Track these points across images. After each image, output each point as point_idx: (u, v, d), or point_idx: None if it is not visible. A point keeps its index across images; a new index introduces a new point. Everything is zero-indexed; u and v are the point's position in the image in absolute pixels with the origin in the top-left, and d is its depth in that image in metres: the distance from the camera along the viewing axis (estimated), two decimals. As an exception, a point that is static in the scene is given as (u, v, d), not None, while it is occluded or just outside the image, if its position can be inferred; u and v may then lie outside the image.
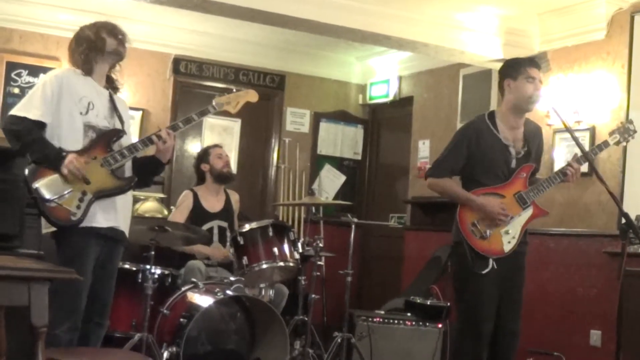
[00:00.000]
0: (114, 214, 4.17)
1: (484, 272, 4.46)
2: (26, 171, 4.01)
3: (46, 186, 3.97)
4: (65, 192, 3.98)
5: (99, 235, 4.10)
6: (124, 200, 4.25)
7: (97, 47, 4.20)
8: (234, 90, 4.72)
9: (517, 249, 4.59)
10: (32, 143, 4.00)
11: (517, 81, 4.63)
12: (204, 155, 6.45)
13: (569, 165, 4.60)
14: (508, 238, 4.55)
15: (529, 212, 4.62)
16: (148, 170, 4.38)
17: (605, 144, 4.73)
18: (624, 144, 4.95)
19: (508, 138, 4.65)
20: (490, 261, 4.48)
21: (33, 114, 4.02)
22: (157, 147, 4.27)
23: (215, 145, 6.56)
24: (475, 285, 4.52)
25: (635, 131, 4.80)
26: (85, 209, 4.01)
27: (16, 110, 4.07)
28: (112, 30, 4.28)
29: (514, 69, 4.69)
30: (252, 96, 4.65)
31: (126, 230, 4.30)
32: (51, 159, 4.00)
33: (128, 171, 4.28)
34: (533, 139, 4.75)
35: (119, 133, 4.23)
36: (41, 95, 4.06)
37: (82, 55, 4.20)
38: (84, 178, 3.99)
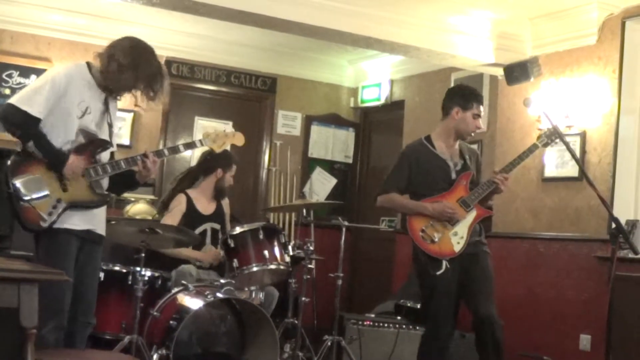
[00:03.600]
0: (91, 217, 4.17)
1: (438, 272, 4.87)
2: (8, 162, 3.99)
3: (25, 184, 3.95)
4: (41, 194, 3.97)
5: (77, 236, 4.10)
6: None
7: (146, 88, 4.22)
8: (225, 130, 4.75)
9: (472, 250, 5.00)
10: (35, 136, 3.99)
11: (465, 113, 5.08)
12: (226, 163, 6.29)
13: (496, 177, 4.98)
14: (457, 239, 4.96)
15: (473, 213, 5.01)
16: (124, 183, 4.40)
17: (535, 146, 5.07)
18: (550, 146, 5.21)
19: (445, 154, 5.11)
20: (444, 262, 4.90)
21: (34, 111, 3.99)
22: (139, 170, 4.27)
23: (236, 163, 6.43)
24: (432, 286, 4.96)
25: (558, 136, 4.92)
26: (56, 216, 4.01)
27: (18, 102, 4.01)
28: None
29: (466, 100, 5.11)
30: (239, 139, 4.70)
31: (103, 232, 4.30)
32: (53, 156, 3.99)
33: (104, 182, 4.27)
34: (470, 154, 5.20)
35: (106, 144, 4.23)
36: (46, 93, 4.01)
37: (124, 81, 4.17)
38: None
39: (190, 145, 4.52)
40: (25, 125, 3.99)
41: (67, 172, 4.00)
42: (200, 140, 4.52)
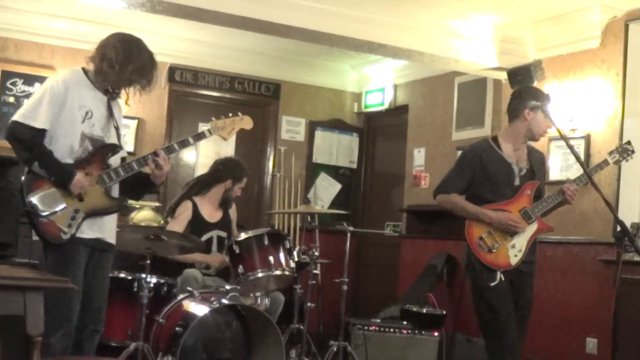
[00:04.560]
0: (100, 226, 4.18)
1: (492, 284, 4.63)
2: (22, 179, 4.01)
3: (41, 200, 3.97)
4: (59, 209, 3.99)
5: (86, 245, 4.11)
6: None
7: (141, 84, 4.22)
8: (230, 115, 4.71)
9: (524, 268, 4.76)
10: (41, 155, 4.00)
11: (536, 113, 4.82)
12: (237, 175, 6.27)
13: (566, 186, 4.75)
14: (514, 252, 4.71)
15: (533, 227, 4.77)
16: (141, 186, 4.40)
17: (605, 162, 4.88)
18: (623, 163, 5.05)
19: (511, 157, 4.84)
20: (498, 274, 4.65)
21: (39, 123, 4.00)
22: (152, 171, 4.27)
23: (247, 175, 6.42)
24: (489, 297, 4.69)
25: (633, 151, 4.91)
26: (76, 227, 4.03)
27: (21, 118, 4.02)
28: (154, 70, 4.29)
29: (538, 101, 4.85)
30: (247, 123, 4.67)
31: (113, 240, 4.30)
32: (59, 175, 4.00)
33: (117, 188, 4.27)
34: (536, 160, 4.95)
35: (115, 148, 4.23)
36: (47, 103, 4.03)
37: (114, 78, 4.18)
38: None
39: (199, 137, 4.45)
40: (32, 140, 3.99)
41: (74, 190, 4.02)
42: (208, 130, 4.49)
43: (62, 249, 4.03)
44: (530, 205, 4.78)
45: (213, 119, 4.64)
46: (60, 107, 4.05)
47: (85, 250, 4.11)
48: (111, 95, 4.27)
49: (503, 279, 4.65)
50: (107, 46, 4.18)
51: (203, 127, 7.82)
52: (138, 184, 4.34)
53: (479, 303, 4.77)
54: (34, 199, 3.96)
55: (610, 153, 4.93)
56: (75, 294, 3.96)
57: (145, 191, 4.52)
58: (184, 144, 4.40)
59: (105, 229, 4.22)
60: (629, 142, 4.96)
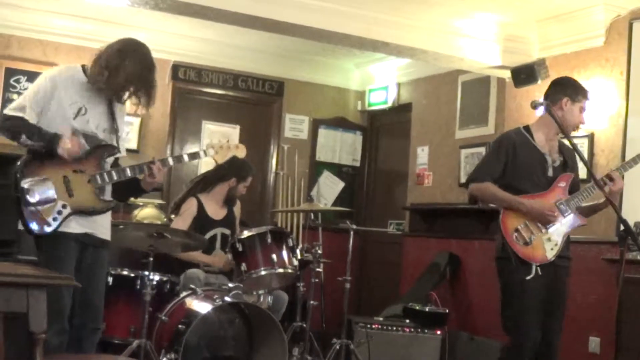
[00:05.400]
0: (90, 221, 4.17)
1: (527, 277, 4.54)
2: (18, 163, 4.02)
3: (32, 187, 3.97)
4: (49, 198, 3.99)
5: (76, 240, 4.11)
6: None
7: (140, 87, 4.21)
8: (227, 141, 4.74)
9: (560, 262, 4.68)
10: (27, 128, 4.01)
11: (574, 105, 4.76)
12: (242, 175, 6.31)
13: (606, 178, 4.63)
14: (550, 245, 4.64)
15: (569, 220, 4.71)
16: (128, 189, 4.40)
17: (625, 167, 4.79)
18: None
19: (544, 147, 4.78)
20: (534, 267, 4.56)
21: (27, 116, 4.04)
22: (144, 177, 4.28)
23: (252, 175, 6.45)
24: (519, 291, 4.60)
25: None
26: (60, 221, 4.02)
27: (10, 110, 4.10)
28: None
29: (576, 92, 4.80)
30: (241, 152, 4.68)
31: (105, 236, 4.29)
32: (47, 138, 4.00)
33: (109, 189, 4.28)
34: (569, 154, 4.86)
35: (113, 150, 4.24)
36: (33, 99, 4.08)
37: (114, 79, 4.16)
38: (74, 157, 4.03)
39: (194, 156, 4.55)
40: (18, 124, 4.03)
41: (63, 153, 4.00)
42: (204, 151, 4.53)
43: (52, 244, 4.03)
44: (566, 198, 4.71)
45: (209, 140, 4.76)
46: (47, 103, 4.08)
47: (75, 245, 4.11)
48: (108, 95, 4.26)
49: (540, 273, 4.56)
50: (105, 51, 4.19)
51: (206, 125, 7.85)
52: (125, 187, 4.34)
53: (510, 297, 4.67)
54: (26, 184, 3.96)
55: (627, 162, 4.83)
56: (66, 289, 3.95)
57: (133, 195, 4.59)
58: (178, 159, 4.53)
59: (97, 224, 4.20)
60: None
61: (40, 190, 3.99)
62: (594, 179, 4.57)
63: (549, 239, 4.63)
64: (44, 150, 4.02)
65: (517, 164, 4.72)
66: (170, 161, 4.43)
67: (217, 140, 4.65)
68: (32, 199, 3.96)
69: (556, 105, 4.75)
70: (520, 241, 4.60)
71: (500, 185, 4.74)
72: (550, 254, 4.63)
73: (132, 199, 4.63)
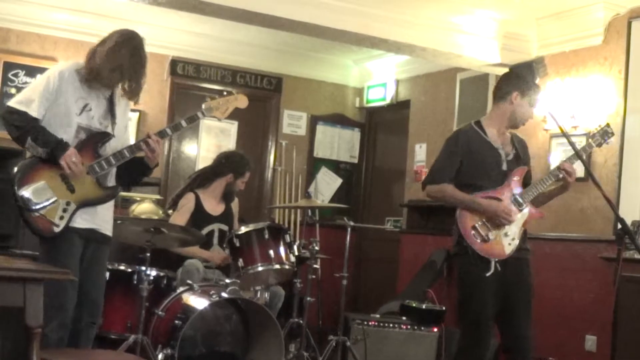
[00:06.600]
0: (93, 216, 4.16)
1: (487, 274, 4.50)
2: (15, 170, 4.00)
3: (31, 194, 3.95)
4: (50, 201, 3.98)
5: (80, 235, 4.10)
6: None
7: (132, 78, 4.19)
8: (224, 93, 4.64)
9: (519, 255, 4.64)
10: (33, 129, 3.99)
11: (523, 99, 4.70)
12: (240, 170, 6.26)
13: (560, 166, 4.63)
14: (508, 240, 4.60)
15: (525, 213, 4.67)
16: (136, 171, 4.37)
17: (589, 146, 4.79)
18: (603, 145, 4.93)
19: (497, 142, 4.73)
20: (493, 263, 4.52)
21: (32, 111, 4.01)
22: (146, 153, 4.24)
23: (249, 170, 6.40)
24: (476, 288, 4.57)
25: (612, 134, 4.81)
26: (68, 220, 4.02)
27: (16, 104, 4.05)
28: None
29: (527, 87, 4.75)
30: (242, 101, 4.58)
31: (108, 231, 4.28)
32: (52, 145, 3.97)
33: (112, 175, 4.26)
34: (520, 146, 4.83)
35: (105, 136, 4.19)
36: (41, 93, 4.04)
37: (110, 74, 4.14)
38: (77, 175, 4.00)
39: (192, 119, 4.35)
40: (24, 122, 4.00)
41: (63, 164, 3.97)
42: (202, 112, 4.40)
43: (57, 239, 4.02)
44: (520, 192, 4.67)
45: (207, 99, 4.56)
46: (55, 99, 4.06)
47: (80, 241, 4.10)
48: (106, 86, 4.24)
49: (499, 268, 4.54)
50: (98, 46, 4.17)
51: (204, 120, 7.82)
52: (133, 168, 4.30)
53: (467, 293, 4.66)
54: (25, 193, 3.95)
55: (592, 136, 4.80)
56: (70, 284, 3.94)
57: (141, 174, 4.41)
58: (176, 127, 4.36)
59: (98, 219, 4.19)
60: (608, 125, 4.83)
61: (38, 196, 3.96)
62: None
63: (506, 234, 4.61)
64: (44, 157, 4.00)
65: (472, 161, 4.69)
66: (169, 131, 4.34)
67: (214, 98, 4.54)
68: (33, 205, 3.95)
69: (506, 100, 4.72)
70: (478, 238, 4.57)
71: (457, 183, 4.72)
72: (509, 249, 4.60)
73: (144, 178, 4.51)
